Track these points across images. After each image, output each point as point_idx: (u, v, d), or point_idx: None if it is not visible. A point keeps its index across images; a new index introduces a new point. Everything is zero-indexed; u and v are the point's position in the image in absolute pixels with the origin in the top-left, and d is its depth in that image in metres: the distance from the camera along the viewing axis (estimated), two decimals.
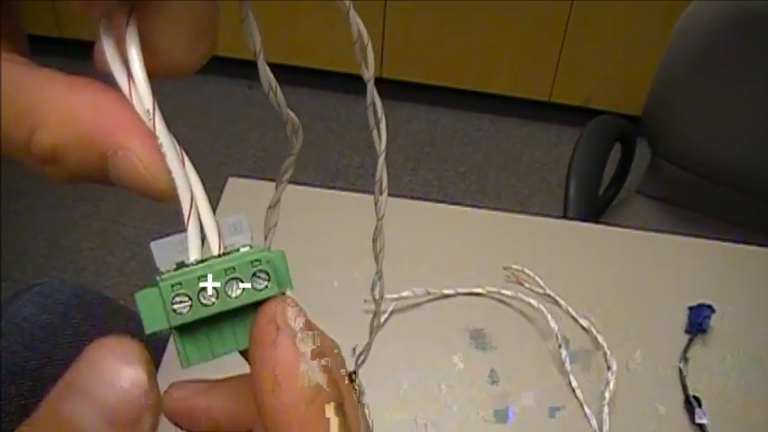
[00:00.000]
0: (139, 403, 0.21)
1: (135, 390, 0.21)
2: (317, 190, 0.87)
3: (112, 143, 0.22)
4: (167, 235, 0.24)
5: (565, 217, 1.13)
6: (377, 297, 0.29)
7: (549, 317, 0.74)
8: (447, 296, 0.78)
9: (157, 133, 0.23)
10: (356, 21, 0.25)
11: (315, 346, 0.23)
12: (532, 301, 0.76)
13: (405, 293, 0.75)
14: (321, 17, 2.11)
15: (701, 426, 0.69)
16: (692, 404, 0.70)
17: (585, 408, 0.70)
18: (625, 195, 1.38)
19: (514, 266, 0.79)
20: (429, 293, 0.77)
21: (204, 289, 0.22)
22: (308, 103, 2.28)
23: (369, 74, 0.26)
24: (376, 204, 0.27)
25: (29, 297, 0.74)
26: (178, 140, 0.24)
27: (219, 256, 0.23)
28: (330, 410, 0.23)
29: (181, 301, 0.22)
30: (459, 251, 0.82)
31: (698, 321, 0.76)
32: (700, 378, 0.73)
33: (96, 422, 0.20)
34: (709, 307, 0.76)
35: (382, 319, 0.74)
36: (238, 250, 0.24)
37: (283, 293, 0.24)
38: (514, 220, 0.87)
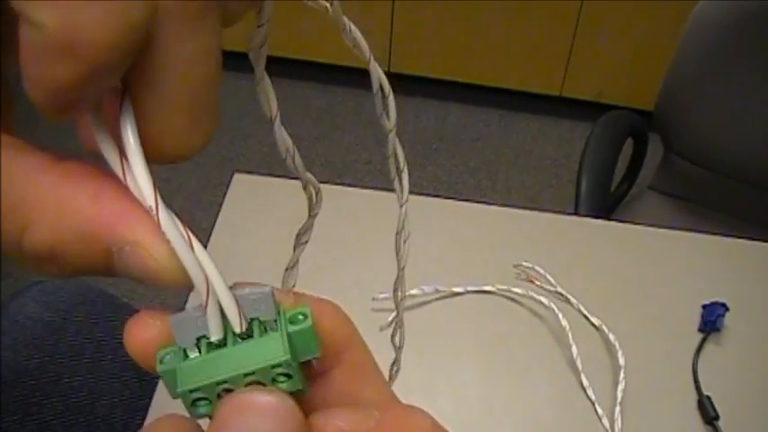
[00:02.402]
0: None
1: None
2: (324, 186, 0.86)
3: (118, 238, 0.20)
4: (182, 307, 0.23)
5: (576, 213, 1.12)
6: (399, 298, 0.29)
7: (560, 315, 0.73)
8: (456, 294, 0.77)
9: (163, 228, 0.21)
10: (378, 72, 0.23)
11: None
12: (543, 300, 0.75)
13: (413, 291, 0.75)
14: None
15: (714, 426, 0.68)
16: (705, 404, 0.69)
17: (597, 407, 0.69)
18: (637, 191, 1.37)
19: (525, 264, 0.78)
20: (438, 291, 0.76)
21: (224, 390, 0.22)
22: (315, 98, 2.27)
23: (390, 124, 0.25)
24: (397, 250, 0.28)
25: (31, 295, 0.74)
26: None
27: (242, 334, 0.23)
28: None
29: (200, 401, 0.22)
30: (468, 248, 0.81)
31: (711, 320, 0.75)
32: (713, 377, 0.72)
33: None
34: (723, 305, 0.75)
35: (390, 318, 0.73)
36: (265, 329, 0.23)
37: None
38: (525, 216, 0.86)
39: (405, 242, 0.27)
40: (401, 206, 0.27)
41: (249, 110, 2.22)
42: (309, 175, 0.24)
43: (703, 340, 0.74)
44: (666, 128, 1.27)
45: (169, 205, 0.21)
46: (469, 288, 0.77)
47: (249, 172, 0.86)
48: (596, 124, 1.25)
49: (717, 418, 0.68)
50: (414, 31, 2.16)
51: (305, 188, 0.25)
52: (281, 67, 2.15)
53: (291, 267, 0.27)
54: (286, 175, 0.88)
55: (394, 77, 2.26)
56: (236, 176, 0.85)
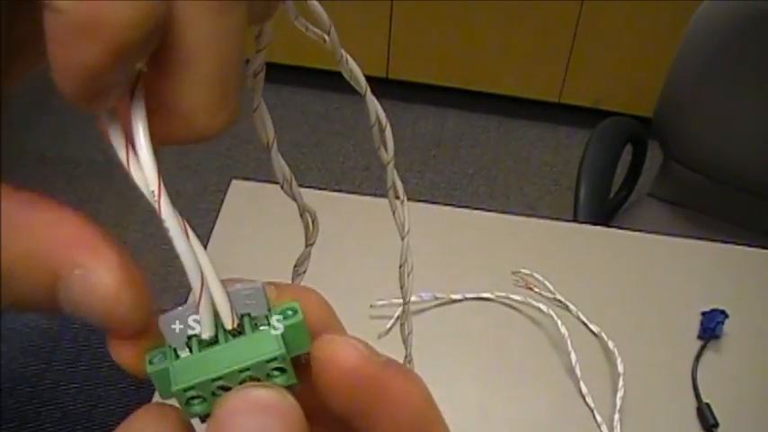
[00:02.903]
0: None
1: None
2: (322, 192, 0.86)
3: (67, 260, 0.19)
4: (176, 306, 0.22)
5: (575, 220, 1.12)
6: (406, 332, 0.29)
7: (559, 322, 0.73)
8: (455, 301, 0.76)
9: (163, 216, 0.21)
10: (374, 104, 0.23)
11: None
12: (542, 306, 0.75)
13: (412, 298, 0.74)
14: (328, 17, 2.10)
15: None
16: (704, 411, 0.69)
17: (596, 414, 0.69)
18: (636, 198, 1.37)
19: (523, 271, 0.78)
20: (437, 298, 0.76)
21: (218, 387, 0.22)
22: (313, 104, 2.27)
23: (388, 157, 0.25)
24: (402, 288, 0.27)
25: None
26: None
27: (233, 330, 0.22)
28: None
29: (195, 400, 0.22)
30: (466, 255, 0.81)
31: (711, 327, 0.75)
32: (712, 385, 0.72)
33: None
34: (723, 312, 0.75)
35: (388, 325, 0.73)
36: (256, 325, 0.23)
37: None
38: (523, 223, 0.86)
39: (409, 275, 0.27)
40: (403, 239, 0.27)
41: (246, 115, 2.22)
42: (307, 203, 0.23)
43: (702, 347, 0.74)
44: (665, 134, 1.27)
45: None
46: (468, 295, 0.77)
47: (246, 178, 0.86)
48: (595, 131, 1.25)
49: (716, 425, 0.68)
50: (412, 38, 2.16)
51: (301, 215, 0.25)
52: (279, 74, 2.15)
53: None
54: None
55: (392, 84, 2.27)
56: (234, 183, 0.85)
